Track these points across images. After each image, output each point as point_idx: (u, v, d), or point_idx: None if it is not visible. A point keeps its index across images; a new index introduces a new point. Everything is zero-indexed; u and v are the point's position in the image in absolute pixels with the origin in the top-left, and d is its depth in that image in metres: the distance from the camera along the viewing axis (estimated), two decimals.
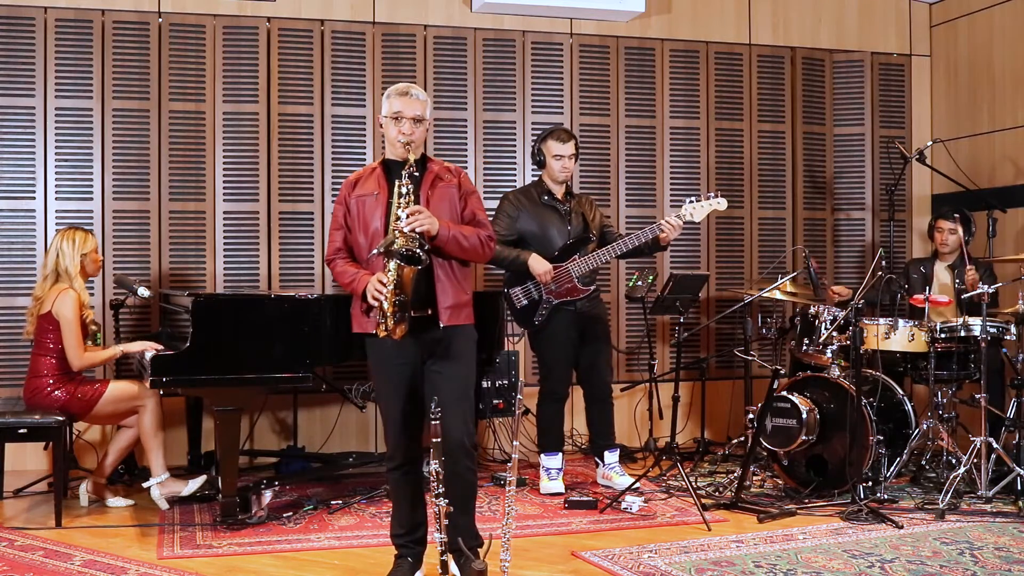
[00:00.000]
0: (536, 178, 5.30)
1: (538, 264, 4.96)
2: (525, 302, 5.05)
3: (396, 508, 3.70)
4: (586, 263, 4.96)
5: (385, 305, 3.35)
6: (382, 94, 5.95)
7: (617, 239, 5.02)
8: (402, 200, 3.40)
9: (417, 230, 3.34)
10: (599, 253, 4.96)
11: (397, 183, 3.44)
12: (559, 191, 5.14)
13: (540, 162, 5.14)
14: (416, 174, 3.45)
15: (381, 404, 3.67)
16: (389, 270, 3.35)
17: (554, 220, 5.09)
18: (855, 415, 4.72)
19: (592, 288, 5.05)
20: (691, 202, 4.97)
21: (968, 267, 5.41)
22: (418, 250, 3.29)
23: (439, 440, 3.21)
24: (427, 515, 3.69)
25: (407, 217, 3.33)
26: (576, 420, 6.08)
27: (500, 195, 6.16)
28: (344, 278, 3.56)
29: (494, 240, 3.67)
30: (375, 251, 3.40)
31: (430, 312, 3.49)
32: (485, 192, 6.15)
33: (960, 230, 5.65)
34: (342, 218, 3.62)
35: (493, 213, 5.18)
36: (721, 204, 4.98)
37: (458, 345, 3.55)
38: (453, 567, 3.71)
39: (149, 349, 4.61)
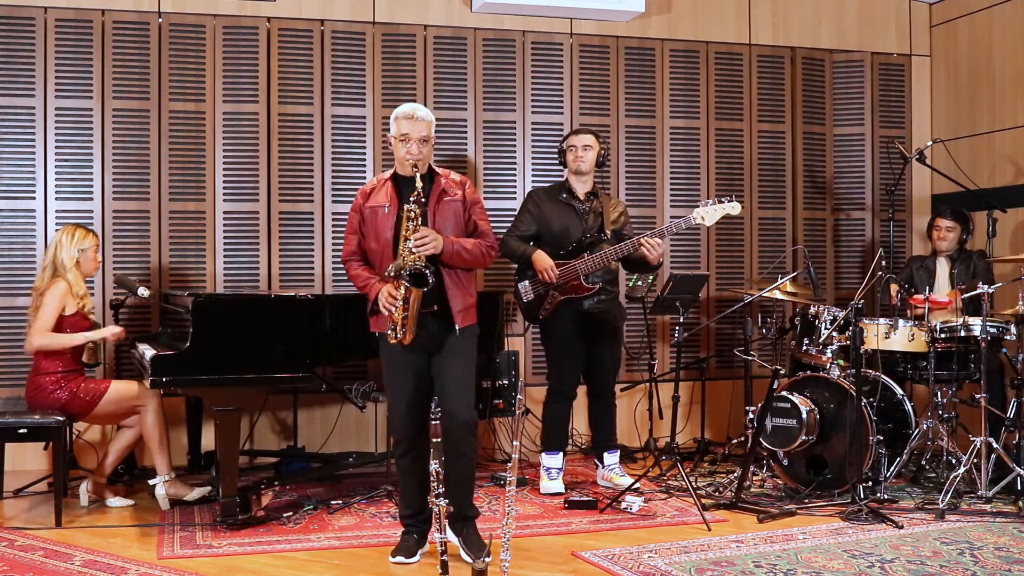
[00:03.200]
0: (564, 178, 5.31)
1: (540, 260, 4.98)
2: (532, 296, 5.08)
3: (404, 491, 4.01)
4: (592, 262, 4.97)
5: (396, 316, 3.74)
6: (382, 94, 6.07)
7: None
8: (411, 224, 3.75)
9: (424, 254, 3.71)
10: (603, 254, 4.96)
11: (406, 207, 3.78)
12: (581, 190, 5.16)
13: (563, 162, 5.21)
14: (423, 200, 3.80)
15: (388, 392, 3.98)
16: (400, 286, 3.73)
17: (569, 218, 5.10)
18: (855, 415, 4.72)
19: (597, 286, 5.04)
20: (703, 205, 4.97)
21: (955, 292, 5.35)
22: (425, 270, 3.69)
23: (439, 440, 3.23)
24: None
25: (416, 241, 3.70)
26: (577, 420, 6.08)
27: (500, 195, 6.22)
28: (358, 281, 3.94)
29: (495, 249, 4.02)
30: (387, 272, 3.78)
31: (436, 308, 3.84)
32: (485, 192, 6.15)
33: (959, 229, 5.67)
34: (356, 224, 3.98)
35: (516, 211, 5.38)
36: (734, 208, 4.96)
37: (463, 342, 3.92)
38: (457, 543, 3.88)
39: (117, 336, 4.80)
